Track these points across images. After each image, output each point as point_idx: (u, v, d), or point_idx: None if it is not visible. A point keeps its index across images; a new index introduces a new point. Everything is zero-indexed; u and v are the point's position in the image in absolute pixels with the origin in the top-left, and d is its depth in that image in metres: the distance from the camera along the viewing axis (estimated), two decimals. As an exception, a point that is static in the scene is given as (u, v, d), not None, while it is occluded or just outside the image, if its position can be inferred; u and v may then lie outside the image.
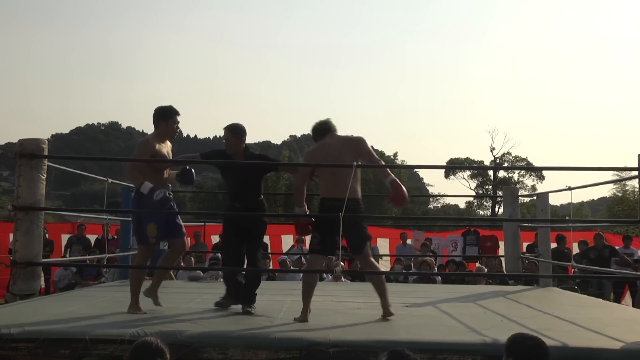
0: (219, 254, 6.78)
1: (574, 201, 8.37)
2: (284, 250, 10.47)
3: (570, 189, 5.68)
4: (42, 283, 6.03)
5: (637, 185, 5.13)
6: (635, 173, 4.82)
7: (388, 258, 10.88)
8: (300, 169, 4.51)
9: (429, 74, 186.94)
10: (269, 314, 4.20)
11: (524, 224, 8.78)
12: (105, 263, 7.09)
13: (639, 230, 15.39)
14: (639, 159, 4.44)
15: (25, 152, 4.30)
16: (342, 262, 6.23)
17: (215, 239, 10.29)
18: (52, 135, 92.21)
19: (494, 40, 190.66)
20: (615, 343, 3.27)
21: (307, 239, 10.17)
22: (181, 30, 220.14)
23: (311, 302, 4.02)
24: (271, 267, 8.42)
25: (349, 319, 4.04)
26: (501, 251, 9.48)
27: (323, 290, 6.14)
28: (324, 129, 4.38)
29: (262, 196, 4.62)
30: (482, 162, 42.36)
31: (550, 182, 40.60)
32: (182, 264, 7.90)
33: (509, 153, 41.01)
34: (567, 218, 8.73)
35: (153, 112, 4.35)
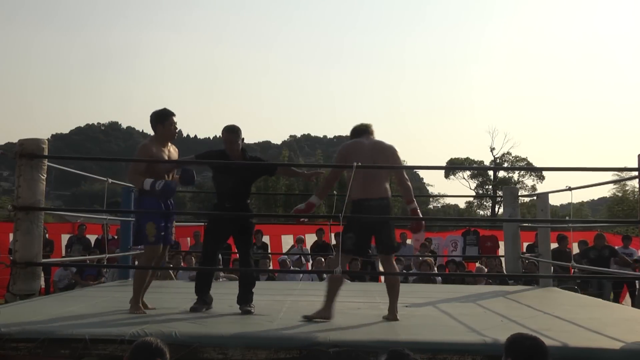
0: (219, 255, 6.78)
1: (574, 201, 8.37)
2: (284, 250, 10.46)
3: (570, 189, 5.68)
4: (42, 283, 6.03)
5: (637, 185, 5.14)
6: (635, 173, 4.82)
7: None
8: (336, 162, 4.44)
9: (429, 74, 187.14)
10: (269, 314, 4.20)
11: (524, 224, 8.78)
12: (105, 263, 7.08)
13: (639, 230, 15.38)
14: (639, 159, 4.45)
15: (25, 152, 4.30)
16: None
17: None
18: (52, 135, 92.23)
19: (494, 40, 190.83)
20: (615, 343, 3.27)
21: (308, 238, 10.29)
22: (181, 30, 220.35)
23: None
24: (271, 267, 8.41)
25: (349, 319, 4.04)
26: (501, 251, 9.48)
27: (323, 290, 6.14)
28: (362, 130, 4.42)
29: (249, 200, 4.67)
30: (482, 162, 42.35)
31: (550, 182, 40.68)
32: (182, 264, 7.91)
33: (509, 153, 41.06)
34: (567, 218, 8.73)
35: (150, 117, 4.37)
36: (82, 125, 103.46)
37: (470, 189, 42.19)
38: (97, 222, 9.90)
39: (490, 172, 42.78)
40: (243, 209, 4.56)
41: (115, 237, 9.38)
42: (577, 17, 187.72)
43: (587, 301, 5.62)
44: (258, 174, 4.90)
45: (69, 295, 5.89)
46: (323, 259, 8.56)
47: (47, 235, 8.88)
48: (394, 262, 4.40)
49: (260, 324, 3.79)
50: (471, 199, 42.17)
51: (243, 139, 4.56)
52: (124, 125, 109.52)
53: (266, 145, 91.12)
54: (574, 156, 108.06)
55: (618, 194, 29.52)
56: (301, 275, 8.33)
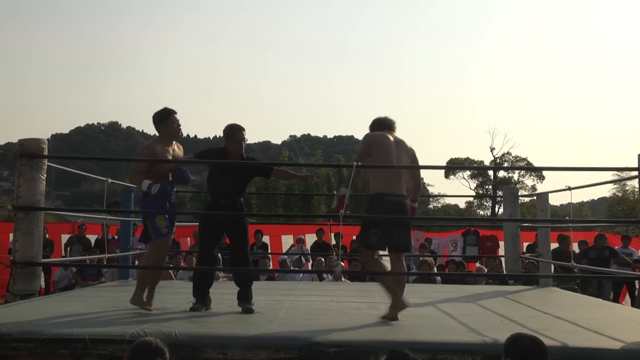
0: (219, 254, 6.78)
1: (574, 201, 8.38)
2: (284, 250, 10.47)
3: (570, 189, 5.68)
4: (42, 283, 6.03)
5: (637, 185, 5.14)
6: (635, 173, 4.82)
7: (388, 258, 10.85)
8: (360, 152, 4.41)
9: (429, 74, 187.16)
10: (269, 314, 4.20)
11: (524, 224, 8.78)
12: (105, 263, 7.09)
13: (639, 230, 15.38)
14: (639, 159, 4.45)
15: (25, 152, 4.31)
16: (341, 262, 6.24)
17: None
18: (52, 135, 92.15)
19: (494, 40, 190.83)
20: (615, 343, 3.27)
21: (308, 238, 10.28)
22: (181, 30, 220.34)
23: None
24: (271, 267, 8.41)
25: (349, 319, 4.04)
26: (501, 251, 9.48)
27: (323, 290, 6.15)
28: (387, 124, 4.39)
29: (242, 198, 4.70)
30: (482, 162, 42.36)
31: (550, 182, 40.66)
32: (182, 263, 7.92)
33: (509, 153, 41.06)
34: (567, 218, 8.72)
35: (152, 119, 4.40)
36: (82, 125, 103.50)
37: (470, 189, 42.21)
38: (97, 222, 9.89)
39: (490, 172, 42.80)
40: (237, 206, 4.56)
41: (115, 237, 9.38)
42: (578, 17, 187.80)
43: (587, 301, 5.62)
44: (254, 174, 4.92)
45: (69, 295, 5.89)
46: (323, 259, 8.56)
47: (47, 235, 8.88)
48: (404, 261, 4.42)
49: (260, 324, 3.79)
50: (471, 199, 42.21)
51: None
52: (124, 125, 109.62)
53: (266, 145, 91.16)
54: (574, 156, 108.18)
55: (618, 194, 29.53)
56: (301, 275, 8.33)
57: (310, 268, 9.40)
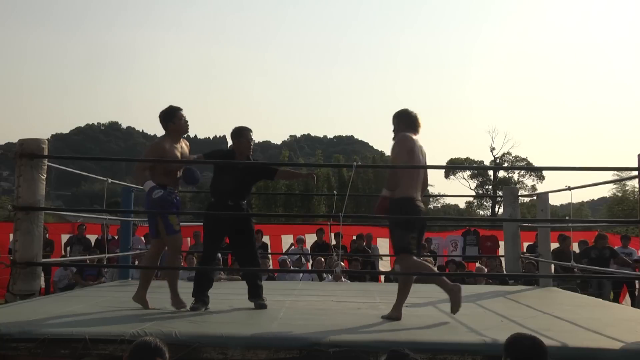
0: (219, 254, 6.78)
1: (574, 201, 8.38)
2: (284, 250, 10.47)
3: (570, 189, 5.68)
4: (42, 283, 6.03)
5: (637, 185, 5.13)
6: (635, 173, 4.82)
7: (388, 258, 10.87)
8: (400, 157, 4.17)
9: (430, 74, 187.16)
10: (269, 314, 4.21)
11: (524, 224, 8.77)
12: (105, 263, 7.08)
13: (639, 230, 15.37)
14: (639, 159, 4.44)
15: (25, 152, 4.31)
16: (341, 262, 6.24)
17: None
18: (52, 135, 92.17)
19: (495, 40, 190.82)
20: (615, 343, 3.26)
21: (308, 238, 10.27)
22: (182, 30, 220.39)
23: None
24: (271, 267, 8.41)
25: (349, 319, 4.04)
26: (501, 251, 9.48)
27: (323, 290, 6.14)
28: (418, 124, 4.27)
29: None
30: (482, 162, 42.33)
31: (550, 182, 40.65)
32: (182, 263, 7.90)
33: (509, 153, 41.02)
34: (567, 218, 8.72)
35: (158, 118, 4.44)
36: (82, 125, 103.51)
37: (470, 189, 42.17)
38: (97, 222, 9.90)
39: (490, 172, 42.75)
40: (243, 208, 4.63)
41: (115, 237, 9.38)
42: (578, 17, 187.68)
43: (587, 301, 5.62)
44: (259, 176, 4.96)
45: (69, 295, 5.89)
46: (323, 259, 8.56)
47: (47, 235, 8.88)
48: None
49: (260, 324, 3.79)
50: (471, 199, 42.17)
51: None
52: (124, 125, 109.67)
53: (266, 145, 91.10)
54: (574, 156, 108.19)
55: (618, 194, 29.50)
56: (301, 275, 8.33)
57: (310, 268, 9.40)
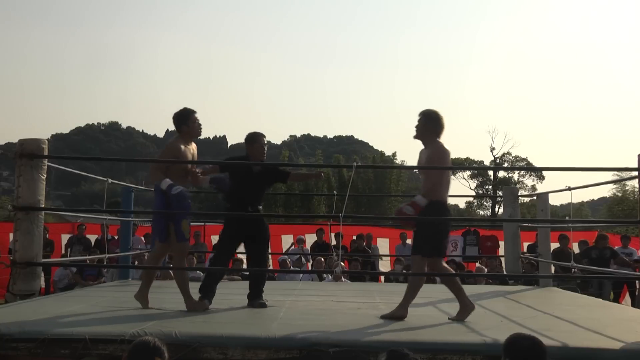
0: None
1: (574, 201, 8.38)
2: (284, 250, 10.46)
3: (570, 189, 5.68)
4: (42, 283, 6.04)
5: (637, 185, 5.13)
6: (635, 173, 4.82)
7: (388, 258, 10.87)
8: (440, 161, 4.17)
9: (430, 74, 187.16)
10: (269, 314, 4.21)
11: (524, 224, 8.77)
12: (105, 263, 7.08)
13: (639, 230, 15.37)
14: (639, 159, 4.44)
15: (25, 152, 4.31)
16: (341, 262, 6.24)
17: (215, 239, 10.27)
18: (52, 135, 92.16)
19: (495, 40, 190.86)
20: (615, 343, 3.27)
21: (308, 238, 10.28)
22: (181, 30, 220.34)
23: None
24: (271, 267, 8.41)
25: (349, 319, 4.04)
26: (501, 251, 9.48)
27: (323, 290, 6.15)
28: (443, 129, 4.22)
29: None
30: (482, 162, 42.27)
31: (550, 182, 40.64)
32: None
33: (509, 153, 40.98)
34: (567, 218, 8.72)
35: (172, 120, 4.49)
36: (82, 125, 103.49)
37: (470, 189, 42.14)
38: (97, 222, 9.90)
39: (490, 172, 42.73)
40: (260, 212, 4.84)
41: (115, 237, 9.38)
42: (578, 18, 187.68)
43: (587, 301, 5.62)
44: (273, 180, 5.03)
45: (69, 295, 5.89)
46: (323, 259, 8.56)
47: (47, 235, 8.89)
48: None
49: (260, 324, 3.79)
50: (471, 199, 42.15)
51: None
52: (124, 125, 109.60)
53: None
54: (574, 156, 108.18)
55: (618, 194, 29.49)
56: (301, 275, 8.33)
57: (310, 268, 9.40)
